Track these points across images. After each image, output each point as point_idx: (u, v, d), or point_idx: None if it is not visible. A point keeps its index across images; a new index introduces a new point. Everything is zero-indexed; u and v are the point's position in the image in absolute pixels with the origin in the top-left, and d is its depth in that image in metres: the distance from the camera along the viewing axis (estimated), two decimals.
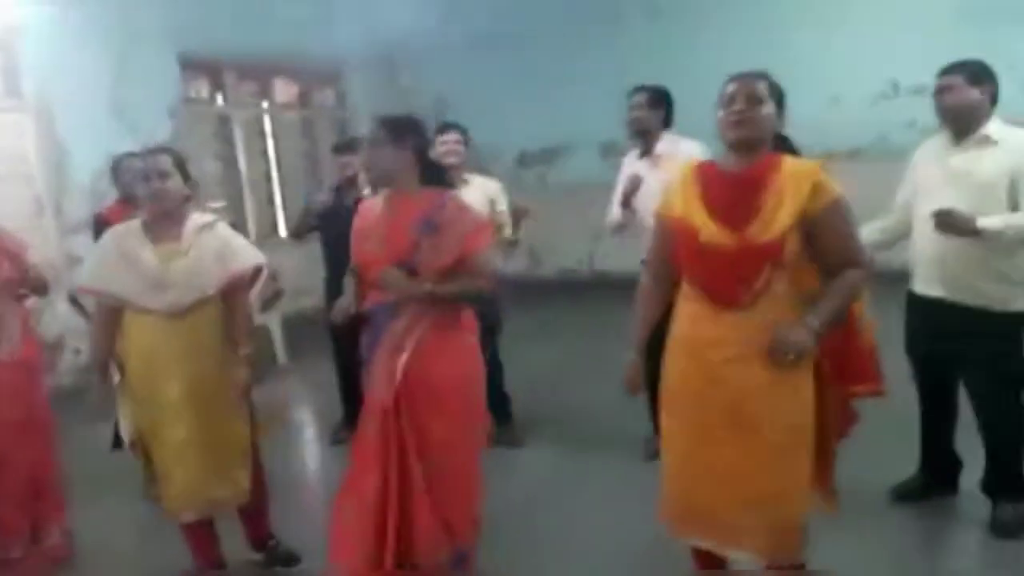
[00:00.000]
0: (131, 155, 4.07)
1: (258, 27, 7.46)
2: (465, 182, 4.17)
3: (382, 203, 2.78)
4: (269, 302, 6.61)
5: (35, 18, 5.59)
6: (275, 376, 6.42)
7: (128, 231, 2.89)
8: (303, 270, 6.04)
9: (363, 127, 9.23)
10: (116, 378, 3.08)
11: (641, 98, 3.94)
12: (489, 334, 4.15)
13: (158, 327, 2.82)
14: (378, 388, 2.68)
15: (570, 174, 9.20)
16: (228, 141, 7.99)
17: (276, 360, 6.79)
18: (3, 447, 3.31)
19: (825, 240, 2.18)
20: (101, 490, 4.00)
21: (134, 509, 3.81)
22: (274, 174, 8.49)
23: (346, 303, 2.79)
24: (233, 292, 2.95)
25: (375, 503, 2.64)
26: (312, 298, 6.67)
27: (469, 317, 2.80)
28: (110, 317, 2.92)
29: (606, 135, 8.55)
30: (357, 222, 2.84)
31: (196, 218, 2.95)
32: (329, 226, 4.48)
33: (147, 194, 2.83)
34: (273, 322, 6.80)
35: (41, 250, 4.72)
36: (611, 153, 8.70)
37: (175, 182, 2.85)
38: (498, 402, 4.35)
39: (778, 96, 2.27)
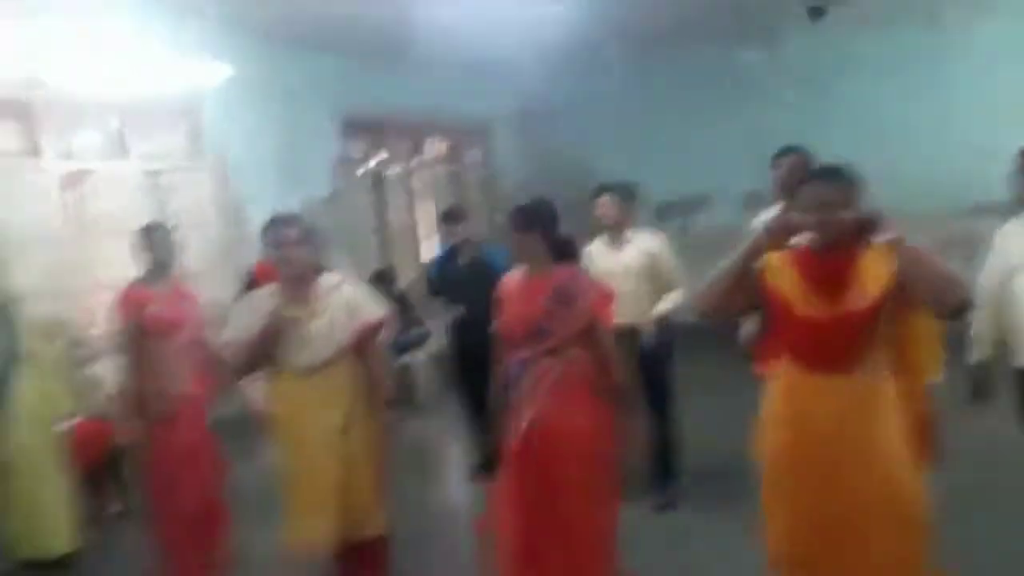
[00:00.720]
0: (281, 218, 4.54)
1: (412, 88, 8.01)
2: (626, 240, 4.29)
3: (521, 276, 3.12)
4: (416, 343, 6.99)
5: (215, 85, 6.27)
6: (419, 414, 6.74)
7: (267, 294, 3.19)
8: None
9: (508, 182, 9.67)
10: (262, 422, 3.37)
11: (793, 160, 3.92)
12: (658, 397, 4.24)
13: (302, 380, 3.11)
14: (513, 435, 2.99)
15: (712, 225, 9.19)
16: (381, 195, 8.54)
17: (419, 398, 7.13)
18: (177, 471, 3.73)
19: (912, 272, 2.19)
20: (260, 515, 4.32)
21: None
22: (422, 227, 8.99)
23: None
24: (364, 343, 3.21)
25: (515, 542, 2.89)
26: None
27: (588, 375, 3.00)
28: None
29: (749, 185, 8.52)
30: (500, 291, 3.16)
31: (325, 279, 3.23)
32: (447, 285, 5.00)
33: (278, 261, 3.13)
34: (418, 362, 7.15)
35: (216, 293, 5.23)
36: (754, 204, 8.65)
37: (304, 250, 3.14)
38: (664, 464, 4.35)
39: (857, 187, 2.34)
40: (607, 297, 3.08)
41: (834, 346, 2.30)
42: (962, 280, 2.19)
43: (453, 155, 9.44)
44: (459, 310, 4.86)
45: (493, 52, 7.57)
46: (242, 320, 3.18)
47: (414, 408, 6.82)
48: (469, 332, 4.69)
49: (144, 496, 3.87)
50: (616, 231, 4.29)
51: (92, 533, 3.69)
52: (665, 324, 4.28)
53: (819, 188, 2.31)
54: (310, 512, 3.13)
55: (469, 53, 7.53)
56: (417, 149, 9.01)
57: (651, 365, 4.13)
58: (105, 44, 5.41)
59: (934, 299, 2.17)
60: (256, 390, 3.26)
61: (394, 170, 8.65)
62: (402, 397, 6.75)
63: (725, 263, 2.42)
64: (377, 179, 8.55)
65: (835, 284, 2.29)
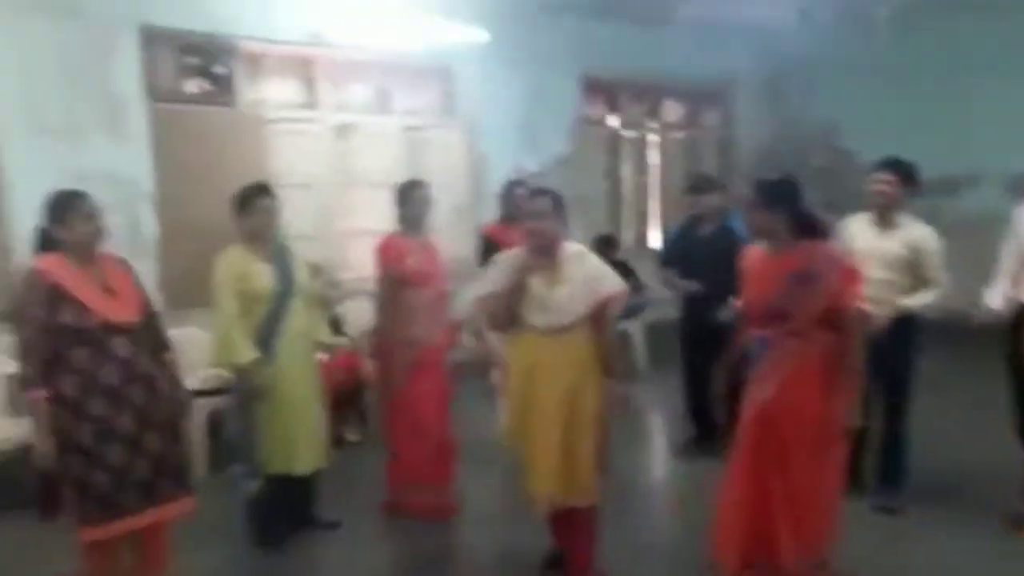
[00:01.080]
0: (518, 183, 4.72)
1: (653, 51, 7.96)
2: (895, 225, 3.98)
3: (765, 252, 3.10)
4: (634, 311, 7.05)
5: (468, 49, 6.59)
6: (635, 381, 6.83)
7: (515, 258, 3.31)
8: None
9: (747, 148, 9.37)
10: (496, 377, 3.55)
11: None
12: (894, 393, 4.01)
13: (539, 342, 3.25)
14: (749, 409, 3.03)
15: (970, 208, 8.41)
16: (616, 157, 8.61)
17: (637, 366, 7.22)
18: (424, 413, 4.09)
19: None
20: (484, 459, 4.55)
21: (509, 480, 4.14)
22: (652, 191, 8.97)
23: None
24: (600, 314, 3.29)
25: (746, 510, 3.01)
26: (674, 308, 7.01)
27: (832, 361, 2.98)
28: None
29: (1017, 167, 7.74)
30: (743, 265, 3.16)
31: (569, 248, 3.32)
32: (682, 256, 4.89)
33: (528, 232, 3.25)
34: (636, 330, 7.23)
35: (456, 250, 5.58)
36: (1018, 188, 7.84)
37: (553, 223, 3.22)
38: (889, 463, 4.15)
39: None
40: (852, 277, 3.00)
41: None
42: None
43: (690, 119, 9.27)
44: (695, 285, 4.79)
45: (743, 10, 7.31)
46: (492, 280, 3.35)
47: (629, 376, 6.91)
48: (704, 307, 4.65)
49: (386, 433, 4.28)
50: (886, 213, 3.98)
51: (333, 457, 4.12)
52: (911, 319, 4.00)
53: None
54: (532, 471, 3.29)
55: (715, 12, 7.30)
56: (654, 112, 8.95)
57: (890, 358, 3.85)
58: (378, 5, 5.85)
59: None
60: (497, 346, 3.44)
61: (629, 133, 8.67)
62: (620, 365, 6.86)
63: None
64: (612, 141, 8.61)
65: None
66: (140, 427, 3.09)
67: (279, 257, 3.81)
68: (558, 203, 3.28)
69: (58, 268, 3.04)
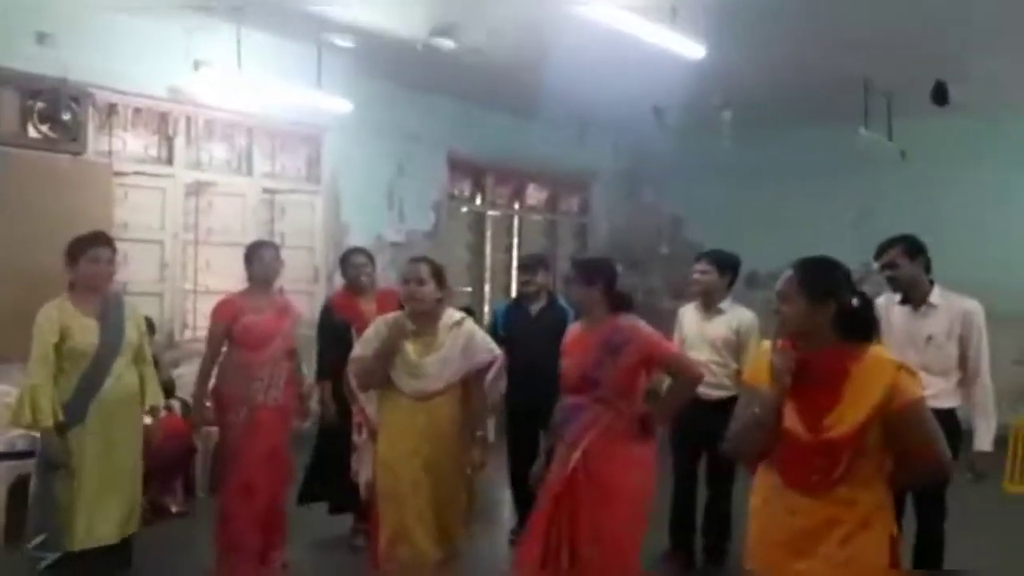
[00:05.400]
0: (357, 250, 4.73)
1: (518, 139, 8.28)
2: (718, 311, 4.18)
3: (582, 326, 3.29)
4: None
5: (336, 120, 6.62)
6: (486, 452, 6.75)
7: (395, 320, 3.32)
8: None
9: (602, 233, 9.76)
10: (362, 438, 3.52)
11: (899, 249, 3.68)
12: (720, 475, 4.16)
13: (407, 406, 3.28)
14: (553, 475, 3.12)
15: None
16: (480, 235, 8.79)
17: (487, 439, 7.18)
18: (254, 475, 3.91)
19: (904, 440, 2.13)
20: (318, 531, 4.39)
21: (340, 554, 4.06)
22: (514, 268, 9.18)
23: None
24: (472, 381, 3.38)
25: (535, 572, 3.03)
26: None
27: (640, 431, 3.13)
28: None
29: (850, 261, 8.40)
30: (564, 341, 3.31)
31: (448, 315, 3.38)
32: (511, 331, 4.64)
33: (404, 296, 3.32)
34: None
35: (313, 312, 5.46)
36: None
37: (430, 288, 3.29)
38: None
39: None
40: (658, 340, 3.19)
41: (809, 466, 2.21)
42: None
43: (551, 204, 9.61)
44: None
45: (603, 109, 7.71)
46: (368, 341, 3.36)
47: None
48: (527, 387, 4.16)
49: (220, 494, 4.06)
50: (708, 299, 4.21)
51: (153, 527, 3.86)
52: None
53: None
54: (409, 532, 3.26)
55: (577, 107, 7.67)
56: (518, 195, 9.23)
57: (716, 438, 3.91)
58: (244, 68, 5.78)
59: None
60: (366, 406, 3.44)
61: (494, 213, 8.88)
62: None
63: None
64: (477, 220, 8.79)
65: (818, 400, 2.22)
66: None
67: (109, 312, 3.67)
68: (437, 271, 3.35)
69: None
